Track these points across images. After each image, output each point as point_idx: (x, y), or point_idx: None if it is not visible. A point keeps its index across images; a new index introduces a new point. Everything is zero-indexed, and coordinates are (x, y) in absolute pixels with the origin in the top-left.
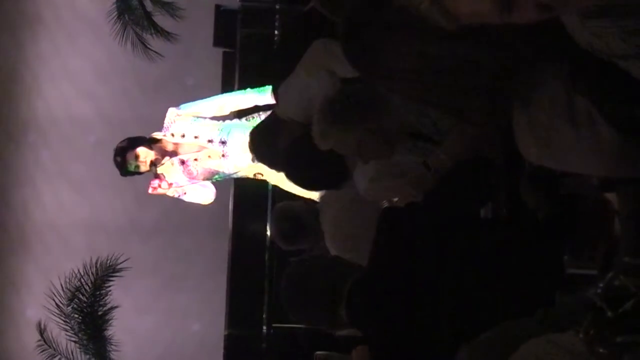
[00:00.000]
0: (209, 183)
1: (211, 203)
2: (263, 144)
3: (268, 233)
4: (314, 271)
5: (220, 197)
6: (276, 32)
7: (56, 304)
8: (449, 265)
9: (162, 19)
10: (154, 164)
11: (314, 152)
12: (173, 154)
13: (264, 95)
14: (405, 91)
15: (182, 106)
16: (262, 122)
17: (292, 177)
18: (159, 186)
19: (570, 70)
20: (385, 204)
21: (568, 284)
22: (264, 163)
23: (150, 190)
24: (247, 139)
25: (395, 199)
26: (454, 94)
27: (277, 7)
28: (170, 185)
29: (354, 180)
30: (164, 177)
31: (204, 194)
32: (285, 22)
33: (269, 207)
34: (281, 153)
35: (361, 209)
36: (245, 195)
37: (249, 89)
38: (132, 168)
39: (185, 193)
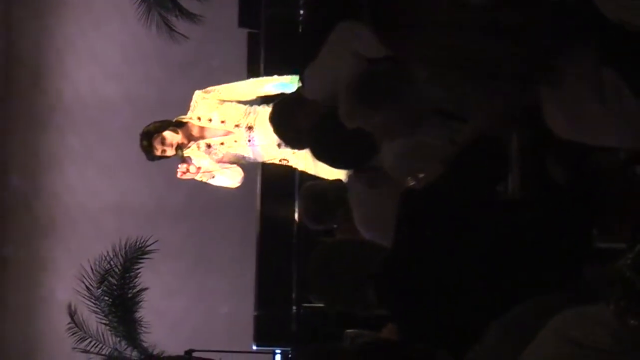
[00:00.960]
0: (236, 166)
1: (239, 186)
2: (285, 117)
3: (296, 214)
4: (340, 253)
5: (247, 179)
6: (301, 11)
7: (86, 286)
8: (475, 243)
9: (186, 1)
10: (180, 147)
11: (342, 129)
12: (199, 137)
13: (292, 83)
14: (431, 61)
15: (208, 89)
16: (286, 96)
17: (320, 154)
18: (187, 170)
19: (599, 44)
20: (410, 181)
21: (597, 257)
22: (285, 137)
23: (178, 175)
24: None
25: (421, 175)
26: (480, 65)
27: None
28: (198, 169)
29: (381, 156)
30: (192, 160)
31: (232, 178)
32: (309, 2)
33: (297, 187)
34: (307, 130)
35: (386, 186)
36: (272, 177)
37: (276, 76)
38: (158, 152)
39: (213, 177)
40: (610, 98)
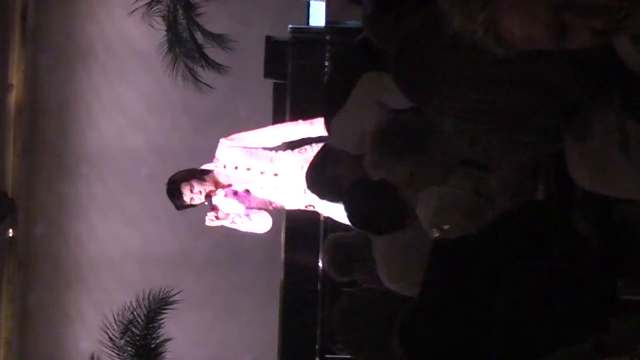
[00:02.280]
0: (264, 212)
1: (265, 233)
2: (319, 179)
3: (320, 264)
4: (365, 304)
5: (272, 228)
6: (327, 63)
7: (109, 337)
8: (501, 296)
9: (212, 51)
10: (209, 195)
11: (376, 194)
12: (226, 185)
13: (316, 127)
14: (457, 115)
15: (233, 136)
16: (315, 158)
17: (356, 220)
18: (217, 217)
19: (622, 95)
20: (435, 233)
21: (622, 309)
22: (323, 197)
23: (207, 222)
24: (298, 171)
25: (446, 227)
26: (507, 119)
27: (328, 38)
28: (227, 215)
29: (418, 215)
30: (220, 208)
31: (260, 223)
32: (335, 53)
33: (321, 238)
34: (342, 194)
35: (411, 238)
36: (297, 226)
37: (300, 121)
38: (187, 201)
39: (242, 222)
40: (634, 150)
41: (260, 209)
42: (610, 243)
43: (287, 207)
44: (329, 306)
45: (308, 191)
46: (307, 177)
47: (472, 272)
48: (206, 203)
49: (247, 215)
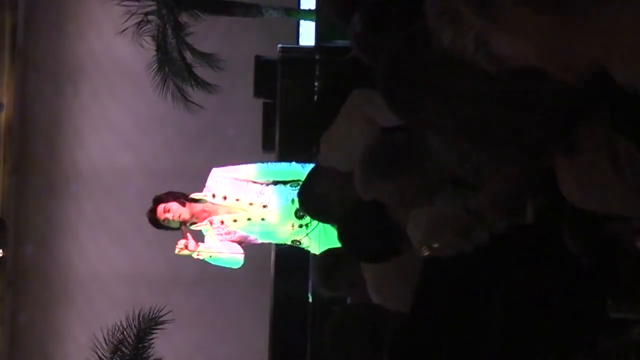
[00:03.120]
0: (238, 248)
1: (254, 253)
2: (308, 199)
3: (310, 285)
4: (354, 321)
5: (261, 249)
6: (316, 82)
7: (99, 356)
8: (491, 315)
9: (202, 71)
10: (184, 223)
11: (370, 224)
12: (213, 213)
13: (308, 170)
14: (446, 132)
15: (225, 168)
16: (305, 179)
17: (352, 253)
18: (185, 247)
19: (612, 112)
20: (425, 251)
21: (611, 328)
22: (314, 217)
23: (176, 251)
24: (287, 204)
25: (435, 245)
26: (497, 136)
27: (317, 57)
28: (197, 246)
29: (409, 235)
30: (191, 237)
31: (232, 260)
32: (325, 72)
33: (310, 257)
34: (331, 215)
35: (403, 259)
36: (286, 249)
37: (293, 162)
38: (160, 220)
39: (210, 256)
40: (624, 166)
41: (244, 240)
42: (600, 260)
43: (275, 241)
44: (318, 327)
45: (296, 225)
46: (298, 197)
47: (462, 291)
48: (180, 230)
49: (220, 250)
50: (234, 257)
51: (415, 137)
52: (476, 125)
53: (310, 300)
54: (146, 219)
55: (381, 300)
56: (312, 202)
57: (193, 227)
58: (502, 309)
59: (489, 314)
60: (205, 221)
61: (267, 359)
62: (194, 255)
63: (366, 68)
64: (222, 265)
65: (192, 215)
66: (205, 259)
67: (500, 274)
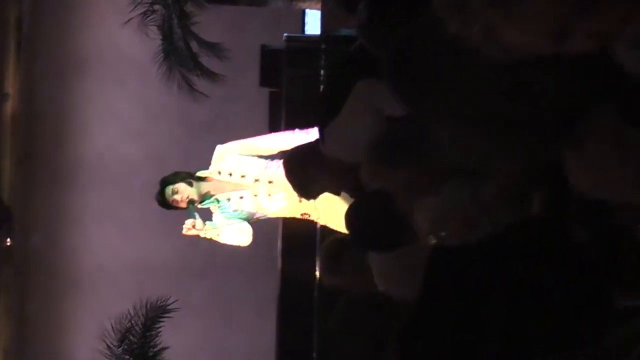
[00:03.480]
0: (246, 225)
1: (261, 241)
2: (297, 164)
3: (317, 273)
4: (361, 309)
5: (268, 237)
6: (322, 71)
7: (107, 345)
8: (498, 305)
9: (208, 60)
10: (192, 202)
11: (377, 214)
12: (219, 191)
13: (312, 136)
14: (453, 122)
15: (229, 144)
16: (301, 145)
17: (359, 241)
18: (193, 226)
19: (619, 100)
20: (432, 240)
21: (618, 316)
22: (295, 184)
23: (183, 231)
24: None
25: (443, 234)
26: (504, 125)
27: (323, 46)
28: (204, 225)
29: (415, 226)
30: (198, 216)
31: (240, 237)
32: (330, 62)
33: (318, 246)
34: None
35: (411, 249)
36: (293, 234)
37: (297, 130)
38: (169, 201)
39: (218, 235)
40: (631, 155)
41: (252, 216)
42: (608, 250)
43: (282, 215)
44: (325, 315)
45: (304, 200)
46: (284, 166)
47: (467, 283)
48: (188, 209)
49: (226, 227)
50: (242, 234)
51: (422, 126)
52: (483, 115)
53: (318, 288)
54: (153, 208)
55: (386, 287)
56: (297, 177)
57: (200, 206)
58: (507, 301)
59: (494, 306)
60: (212, 199)
61: (274, 347)
62: (202, 234)
63: (372, 57)
64: (231, 242)
65: (200, 195)
66: (213, 238)
67: (505, 265)
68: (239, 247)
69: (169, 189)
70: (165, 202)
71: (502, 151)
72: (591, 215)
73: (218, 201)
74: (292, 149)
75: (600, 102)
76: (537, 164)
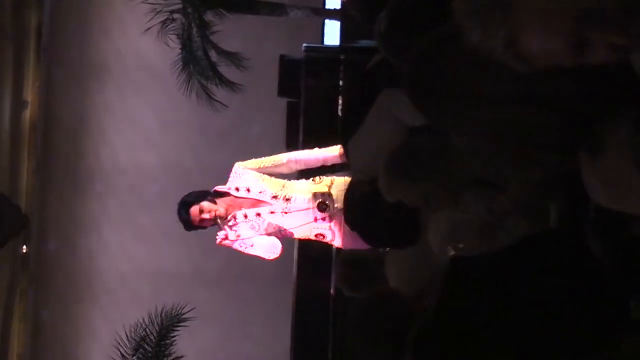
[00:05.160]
0: (274, 238)
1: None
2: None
3: (332, 283)
4: (377, 314)
5: (285, 247)
6: (341, 82)
7: (121, 353)
8: (517, 315)
9: (227, 70)
10: (219, 218)
11: (386, 210)
12: (236, 208)
13: (332, 155)
14: (473, 133)
15: (248, 162)
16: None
17: (365, 235)
18: (227, 237)
19: (637, 111)
20: (450, 252)
21: (633, 327)
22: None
23: (217, 241)
24: (310, 198)
25: (461, 246)
26: (522, 136)
27: (342, 57)
28: (238, 237)
29: (429, 239)
30: (231, 229)
31: (270, 249)
32: (351, 74)
33: (334, 254)
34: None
35: (425, 257)
36: (309, 245)
37: (316, 148)
38: (197, 222)
39: (252, 246)
40: None
41: (270, 234)
42: (624, 262)
43: (297, 236)
44: (340, 325)
45: (320, 219)
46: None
47: (486, 293)
48: (216, 225)
49: (257, 238)
50: (272, 245)
51: (441, 138)
52: (503, 126)
53: (333, 298)
54: (169, 217)
55: (400, 289)
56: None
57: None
58: (522, 312)
59: (511, 316)
60: (230, 216)
61: (289, 357)
62: (235, 246)
63: (393, 69)
64: (261, 255)
65: (225, 210)
66: (245, 250)
67: (522, 275)
68: (257, 258)
69: (196, 210)
70: (191, 224)
71: (520, 162)
72: (608, 226)
73: (235, 218)
74: (348, 206)
75: (617, 113)
76: (554, 175)
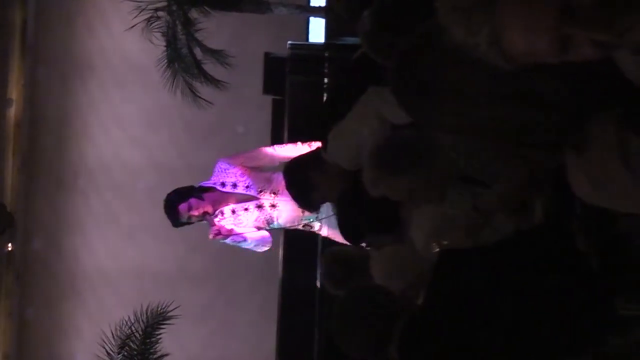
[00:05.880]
0: (264, 231)
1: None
2: (297, 175)
3: (318, 279)
4: (362, 307)
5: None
6: (325, 79)
7: (107, 351)
8: (502, 311)
9: (211, 67)
10: (207, 213)
11: (366, 201)
12: (223, 203)
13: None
14: (457, 129)
15: (232, 156)
16: (301, 155)
17: (343, 226)
18: (220, 232)
19: (622, 108)
20: (435, 248)
21: (620, 325)
22: (297, 196)
23: (210, 236)
24: None
25: (445, 243)
26: (506, 133)
27: (326, 54)
28: (229, 231)
29: (412, 236)
30: (221, 224)
31: (261, 242)
32: (334, 69)
33: (319, 252)
34: (327, 196)
35: (410, 254)
36: (294, 241)
37: (299, 143)
38: (184, 219)
39: (244, 240)
40: (634, 162)
41: (259, 227)
42: (610, 258)
43: (285, 226)
44: (326, 322)
45: (306, 211)
46: (285, 174)
47: (472, 289)
48: (204, 221)
49: (244, 235)
50: (263, 238)
51: (425, 134)
52: (487, 122)
53: (319, 295)
54: (154, 214)
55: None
56: (294, 186)
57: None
58: (512, 308)
59: (498, 313)
60: (217, 212)
61: (274, 354)
62: (228, 241)
63: (374, 65)
64: (253, 248)
65: (212, 205)
66: (238, 243)
67: (509, 272)
68: (242, 252)
69: (184, 207)
70: (179, 221)
71: (504, 158)
72: (593, 222)
73: (222, 214)
74: (293, 159)
75: (602, 108)
76: (540, 171)
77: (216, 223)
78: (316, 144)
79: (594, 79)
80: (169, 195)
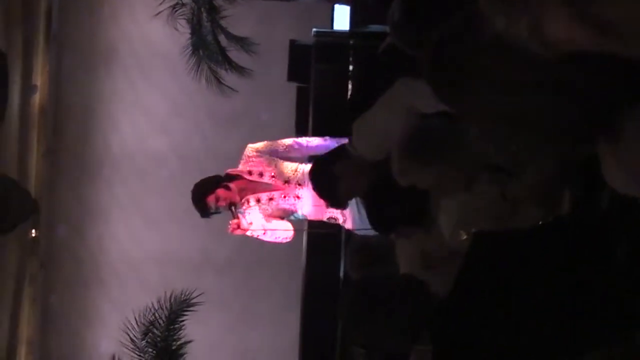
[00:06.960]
0: (286, 222)
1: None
2: (320, 173)
3: (341, 269)
4: (388, 295)
5: (294, 233)
6: (350, 67)
7: (130, 338)
8: (530, 304)
9: (236, 54)
10: (234, 204)
11: (395, 192)
12: (249, 191)
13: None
14: (492, 118)
15: (260, 144)
16: (328, 153)
17: (374, 218)
18: (238, 226)
19: None
20: (463, 236)
21: None
22: (323, 194)
23: (229, 230)
24: None
25: (473, 230)
26: (539, 122)
27: (351, 42)
28: (250, 224)
29: (439, 224)
30: (243, 216)
31: (282, 234)
32: (360, 60)
33: (343, 242)
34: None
35: (438, 242)
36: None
37: (327, 137)
38: (212, 209)
39: (264, 232)
40: None
41: (282, 218)
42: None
43: (310, 218)
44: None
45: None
46: (311, 176)
47: (502, 277)
48: (230, 211)
49: (270, 224)
50: (284, 230)
51: (456, 123)
52: (523, 111)
53: (342, 284)
54: (178, 202)
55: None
56: (320, 179)
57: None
58: (536, 300)
59: (525, 305)
60: (243, 200)
61: (298, 342)
62: (248, 233)
63: (400, 54)
64: (274, 240)
65: (239, 194)
66: (258, 236)
67: (535, 263)
68: (268, 243)
69: (212, 198)
70: (207, 211)
71: (535, 148)
72: (624, 213)
73: (248, 202)
74: (319, 158)
75: (636, 98)
76: (569, 162)
77: (239, 216)
78: (343, 140)
79: (630, 68)
80: (197, 185)
